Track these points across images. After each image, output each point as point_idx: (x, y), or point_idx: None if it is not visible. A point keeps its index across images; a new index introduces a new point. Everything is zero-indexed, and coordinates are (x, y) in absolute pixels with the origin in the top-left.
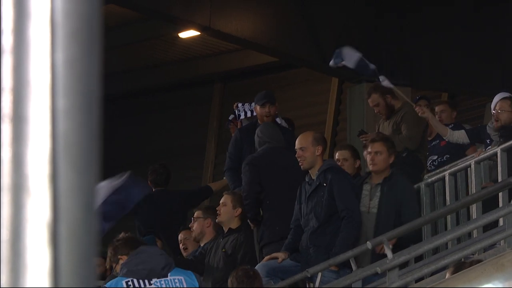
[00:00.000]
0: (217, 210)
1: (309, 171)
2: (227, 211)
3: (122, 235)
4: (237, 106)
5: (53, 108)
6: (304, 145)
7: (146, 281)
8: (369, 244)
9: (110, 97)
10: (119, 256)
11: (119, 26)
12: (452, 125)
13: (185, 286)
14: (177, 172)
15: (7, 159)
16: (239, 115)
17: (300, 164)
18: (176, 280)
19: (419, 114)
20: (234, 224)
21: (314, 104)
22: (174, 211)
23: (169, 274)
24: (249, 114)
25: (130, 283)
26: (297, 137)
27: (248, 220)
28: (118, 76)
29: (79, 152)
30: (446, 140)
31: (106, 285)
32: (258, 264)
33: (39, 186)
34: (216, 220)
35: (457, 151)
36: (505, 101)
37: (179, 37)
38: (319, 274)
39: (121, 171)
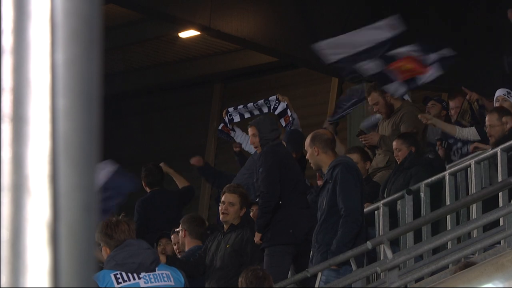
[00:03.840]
0: (221, 210)
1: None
2: (235, 211)
3: (121, 218)
4: (227, 112)
5: (53, 108)
6: (305, 147)
7: (135, 275)
8: (369, 244)
9: (110, 97)
10: (103, 246)
11: (120, 26)
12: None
13: (172, 281)
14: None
15: (7, 159)
16: (232, 119)
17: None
18: (164, 275)
19: (424, 122)
20: (236, 221)
21: (314, 104)
22: (173, 211)
23: (156, 269)
24: (247, 115)
25: (118, 275)
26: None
27: (257, 230)
28: (118, 76)
29: (79, 152)
30: (456, 137)
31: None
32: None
33: (39, 186)
34: (222, 219)
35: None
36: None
37: (179, 37)
38: (319, 274)
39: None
